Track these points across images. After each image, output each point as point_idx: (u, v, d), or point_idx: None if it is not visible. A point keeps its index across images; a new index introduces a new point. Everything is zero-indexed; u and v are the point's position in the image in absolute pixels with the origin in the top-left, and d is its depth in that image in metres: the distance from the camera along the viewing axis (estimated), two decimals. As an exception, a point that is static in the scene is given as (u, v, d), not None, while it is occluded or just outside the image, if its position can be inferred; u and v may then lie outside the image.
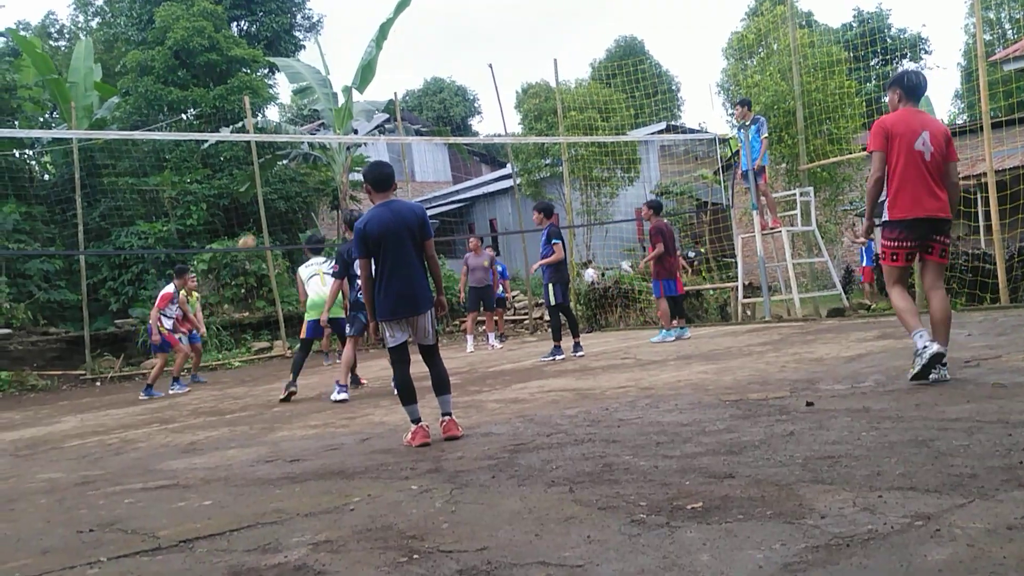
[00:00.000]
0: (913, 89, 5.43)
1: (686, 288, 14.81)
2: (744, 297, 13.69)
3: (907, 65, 33.66)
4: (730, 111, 29.25)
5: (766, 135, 12.00)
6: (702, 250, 19.20)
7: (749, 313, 13.73)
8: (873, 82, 27.05)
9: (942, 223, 5.26)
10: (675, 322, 11.06)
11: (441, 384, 5.27)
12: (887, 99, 5.70)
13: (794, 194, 13.21)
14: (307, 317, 9.18)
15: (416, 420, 5.16)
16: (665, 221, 11.32)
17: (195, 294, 13.11)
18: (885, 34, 32.68)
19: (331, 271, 8.86)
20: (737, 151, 13.43)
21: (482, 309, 13.99)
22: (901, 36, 33.81)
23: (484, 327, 14.86)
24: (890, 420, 4.15)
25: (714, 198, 21.80)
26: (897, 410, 4.39)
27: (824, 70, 14.68)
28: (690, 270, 16.94)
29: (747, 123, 11.90)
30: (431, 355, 5.31)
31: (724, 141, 18.65)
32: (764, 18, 17.25)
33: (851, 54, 17.38)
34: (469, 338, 14.17)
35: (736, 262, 14.12)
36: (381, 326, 5.25)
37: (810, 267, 14.44)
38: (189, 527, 3.57)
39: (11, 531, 3.91)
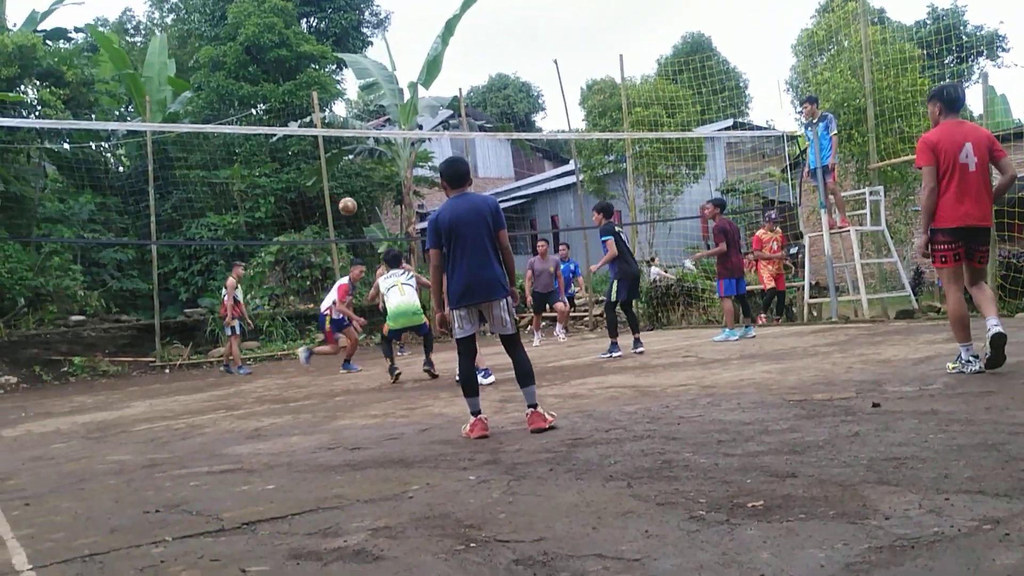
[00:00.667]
0: (952, 102, 5.72)
1: (787, 285, 14.63)
2: (811, 297, 13.44)
3: (982, 63, 32.64)
4: (798, 109, 28.69)
5: (835, 132, 11.73)
6: (801, 243, 18.81)
7: (815, 313, 13.47)
8: (948, 80, 26.30)
9: (983, 232, 5.69)
10: (742, 321, 10.94)
11: (525, 375, 5.22)
12: (928, 112, 5.97)
13: (864, 193, 12.91)
14: (392, 326, 9.51)
15: (476, 412, 5.18)
16: (729, 219, 11.16)
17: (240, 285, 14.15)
18: (960, 31, 31.70)
19: (412, 282, 9.46)
20: (805, 149, 13.18)
21: (548, 308, 13.97)
22: (977, 33, 32.74)
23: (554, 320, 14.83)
24: (959, 423, 4.03)
25: (781, 196, 21.43)
26: (967, 413, 4.27)
27: (896, 67, 14.28)
28: (794, 268, 16.57)
29: (814, 120, 11.67)
30: (513, 345, 5.30)
31: (792, 138, 18.30)
32: (835, 14, 16.86)
33: (924, 51, 16.88)
34: (537, 333, 14.12)
35: (804, 261, 13.85)
36: (451, 315, 5.28)
37: (879, 267, 14.09)
38: (252, 510, 3.64)
39: (81, 509, 4.04)
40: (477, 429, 5.07)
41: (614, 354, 9.87)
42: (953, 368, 5.69)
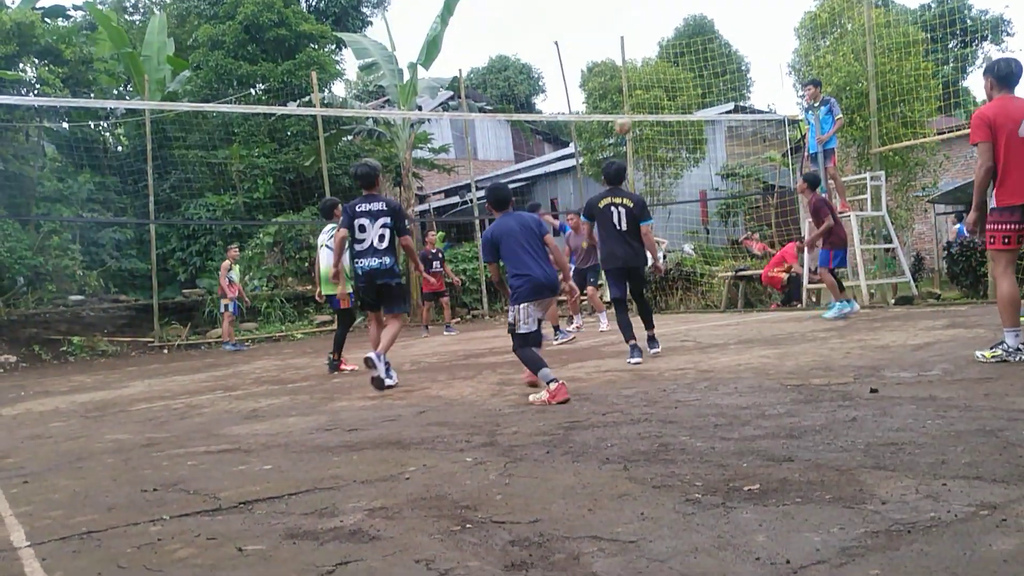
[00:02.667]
0: (1006, 77, 5.48)
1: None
2: (809, 283, 13.43)
3: (986, 47, 32.51)
4: (800, 92, 28.58)
5: (839, 115, 11.63)
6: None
7: (814, 299, 13.46)
8: (951, 64, 26.18)
9: None
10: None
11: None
12: (983, 87, 5.71)
13: (864, 178, 12.87)
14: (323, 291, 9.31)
15: (553, 380, 5.48)
16: (823, 195, 10.74)
17: (236, 265, 14.41)
18: (965, 15, 31.56)
19: (331, 242, 8.47)
20: (806, 133, 13.12)
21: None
22: (982, 17, 32.61)
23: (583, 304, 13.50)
24: (957, 409, 4.04)
25: (781, 181, 21.38)
26: (965, 399, 4.27)
27: (899, 51, 14.20)
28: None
29: (816, 104, 11.61)
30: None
31: (793, 123, 18.23)
32: (838, -3, 16.78)
33: (928, 35, 16.79)
34: (602, 316, 12.21)
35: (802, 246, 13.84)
36: (518, 310, 5.78)
37: (879, 253, 14.08)
38: (249, 490, 3.65)
39: (79, 488, 4.04)
40: (561, 392, 5.39)
41: (633, 360, 7.45)
42: (992, 357, 5.38)
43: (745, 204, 21.93)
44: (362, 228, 7.15)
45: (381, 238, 7.12)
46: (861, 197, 12.91)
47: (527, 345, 5.80)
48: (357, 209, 7.19)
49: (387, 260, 7.13)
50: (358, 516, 3.06)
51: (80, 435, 5.98)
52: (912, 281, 13.02)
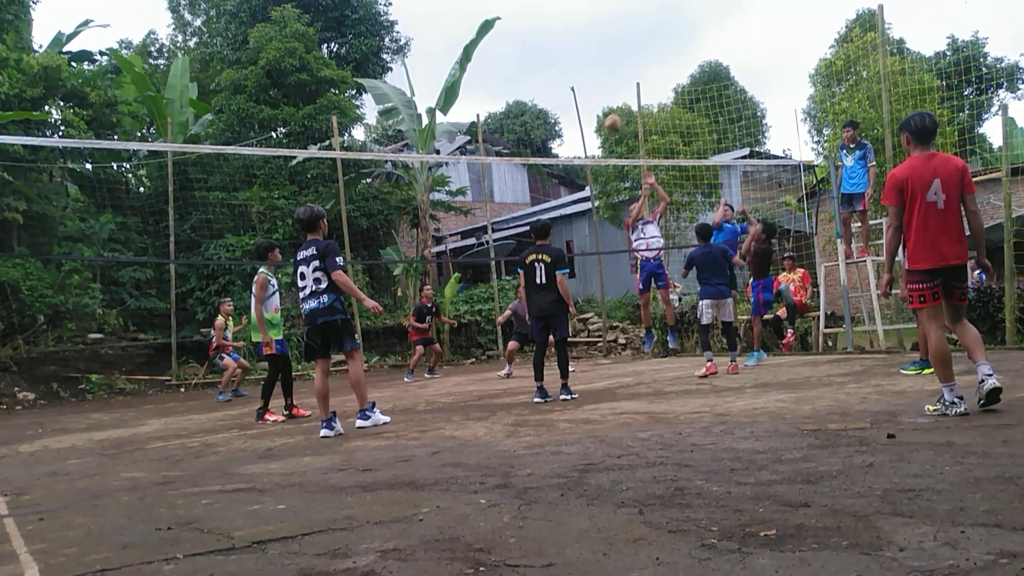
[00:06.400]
0: (920, 132, 5.45)
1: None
2: (826, 327, 13.37)
3: (1002, 95, 32.55)
4: (815, 138, 28.66)
5: (873, 162, 11.66)
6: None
7: (830, 343, 13.39)
8: (966, 111, 26.22)
9: (960, 270, 5.41)
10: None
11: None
12: (901, 142, 5.72)
13: (881, 223, 12.87)
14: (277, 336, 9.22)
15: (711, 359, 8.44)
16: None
17: (231, 320, 14.17)
18: (980, 63, 31.65)
19: (252, 286, 9.09)
20: (823, 179, 13.13)
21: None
22: (998, 65, 32.71)
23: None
24: (975, 455, 4.00)
25: (797, 226, 21.38)
26: (983, 446, 4.23)
27: (915, 98, 14.31)
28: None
29: (852, 147, 11.68)
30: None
31: (809, 168, 18.30)
32: (854, 44, 16.93)
33: (944, 82, 16.89)
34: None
35: (818, 291, 13.80)
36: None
37: (895, 298, 14.02)
38: (263, 529, 3.65)
39: (94, 525, 4.05)
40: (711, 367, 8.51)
41: (536, 399, 8.53)
42: (934, 410, 5.39)
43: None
44: (302, 275, 7.30)
45: (317, 280, 7.21)
46: (877, 242, 12.90)
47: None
48: (297, 257, 7.37)
49: (324, 299, 7.17)
50: (371, 557, 3.05)
51: (96, 472, 6.00)
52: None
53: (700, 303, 10.15)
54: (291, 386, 9.36)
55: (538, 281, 8.50)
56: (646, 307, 12.46)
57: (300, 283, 7.31)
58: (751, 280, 11.62)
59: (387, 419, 7.37)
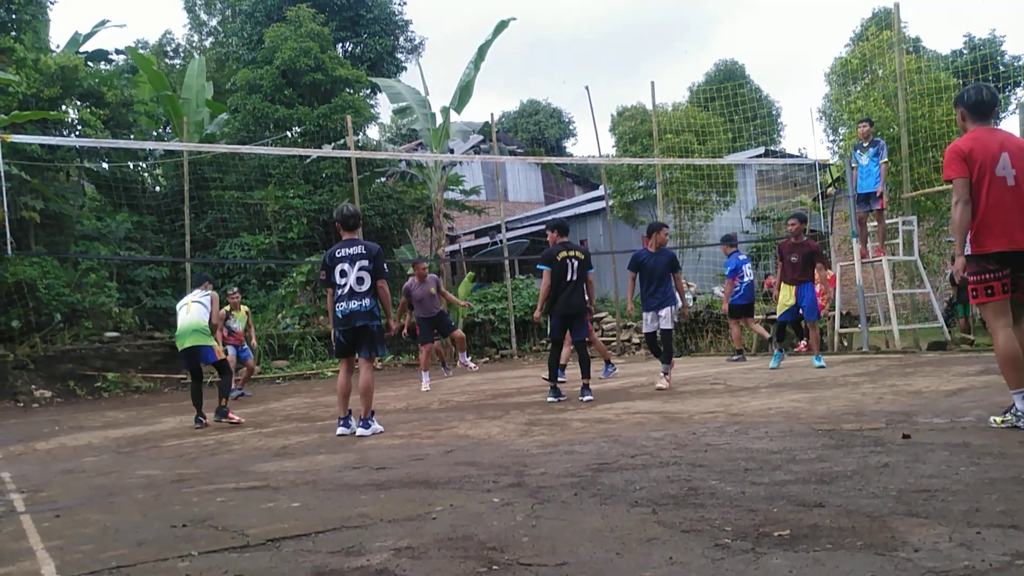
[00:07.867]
0: (976, 106, 4.88)
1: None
2: (841, 327, 13.30)
3: (1019, 93, 32.24)
4: (831, 137, 28.47)
5: (885, 159, 11.61)
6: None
7: (846, 343, 13.32)
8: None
9: None
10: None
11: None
12: (956, 120, 5.16)
13: (896, 222, 12.80)
14: (178, 345, 9.25)
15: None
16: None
17: (242, 308, 13.42)
18: (998, 61, 31.36)
19: (205, 300, 9.23)
20: (838, 178, 13.05)
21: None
22: (1015, 63, 32.41)
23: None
24: (991, 456, 3.97)
25: (812, 225, 21.29)
26: (999, 446, 4.20)
27: (931, 97, 14.19)
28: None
29: (865, 144, 11.62)
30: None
31: (824, 167, 18.18)
32: (869, 43, 16.79)
33: (960, 81, 16.73)
34: (424, 373, 12.03)
35: (834, 290, 13.72)
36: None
37: (911, 298, 13.94)
38: (277, 527, 3.66)
39: (110, 522, 4.08)
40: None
41: (549, 399, 8.58)
42: (1003, 422, 4.71)
43: (775, 247, 21.78)
44: (343, 273, 7.13)
45: (360, 280, 7.10)
46: (893, 242, 12.83)
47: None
48: (336, 254, 7.21)
49: (367, 302, 7.07)
50: (385, 555, 3.06)
51: (112, 470, 6.04)
52: (945, 326, 12.85)
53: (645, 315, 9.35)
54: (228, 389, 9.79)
55: (569, 278, 8.41)
56: None
57: (339, 280, 7.14)
58: (803, 281, 10.41)
59: (382, 428, 7.28)
